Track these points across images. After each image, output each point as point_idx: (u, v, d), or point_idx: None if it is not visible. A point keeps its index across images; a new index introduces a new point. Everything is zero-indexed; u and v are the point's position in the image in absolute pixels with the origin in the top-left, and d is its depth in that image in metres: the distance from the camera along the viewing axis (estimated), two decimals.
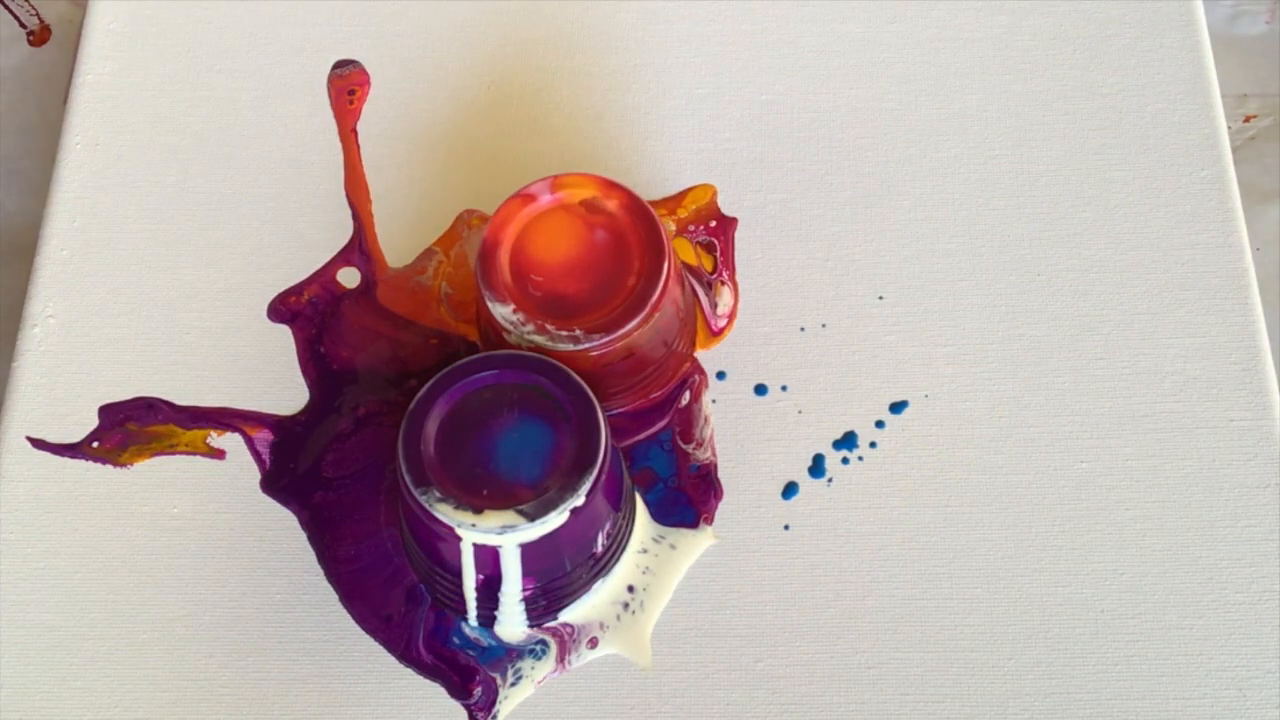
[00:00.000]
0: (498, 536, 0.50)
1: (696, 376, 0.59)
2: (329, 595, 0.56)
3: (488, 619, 0.54)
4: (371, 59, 0.66)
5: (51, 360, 0.60)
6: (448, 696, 0.54)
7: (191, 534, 0.57)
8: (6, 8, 0.98)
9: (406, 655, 0.54)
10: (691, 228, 0.62)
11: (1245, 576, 0.55)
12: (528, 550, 0.51)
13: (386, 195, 0.63)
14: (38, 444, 0.58)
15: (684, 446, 0.58)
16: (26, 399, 0.59)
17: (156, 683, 0.54)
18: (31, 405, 0.59)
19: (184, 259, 0.62)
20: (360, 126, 0.65)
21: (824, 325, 0.60)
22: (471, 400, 0.52)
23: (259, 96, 0.65)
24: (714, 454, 0.58)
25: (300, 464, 0.58)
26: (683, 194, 0.63)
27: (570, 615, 0.55)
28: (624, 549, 0.55)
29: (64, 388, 0.59)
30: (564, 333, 0.54)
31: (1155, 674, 0.54)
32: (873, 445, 0.58)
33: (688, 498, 0.57)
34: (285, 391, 0.59)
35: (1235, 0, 0.98)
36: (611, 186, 0.56)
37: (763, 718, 0.54)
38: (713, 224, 0.62)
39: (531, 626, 0.54)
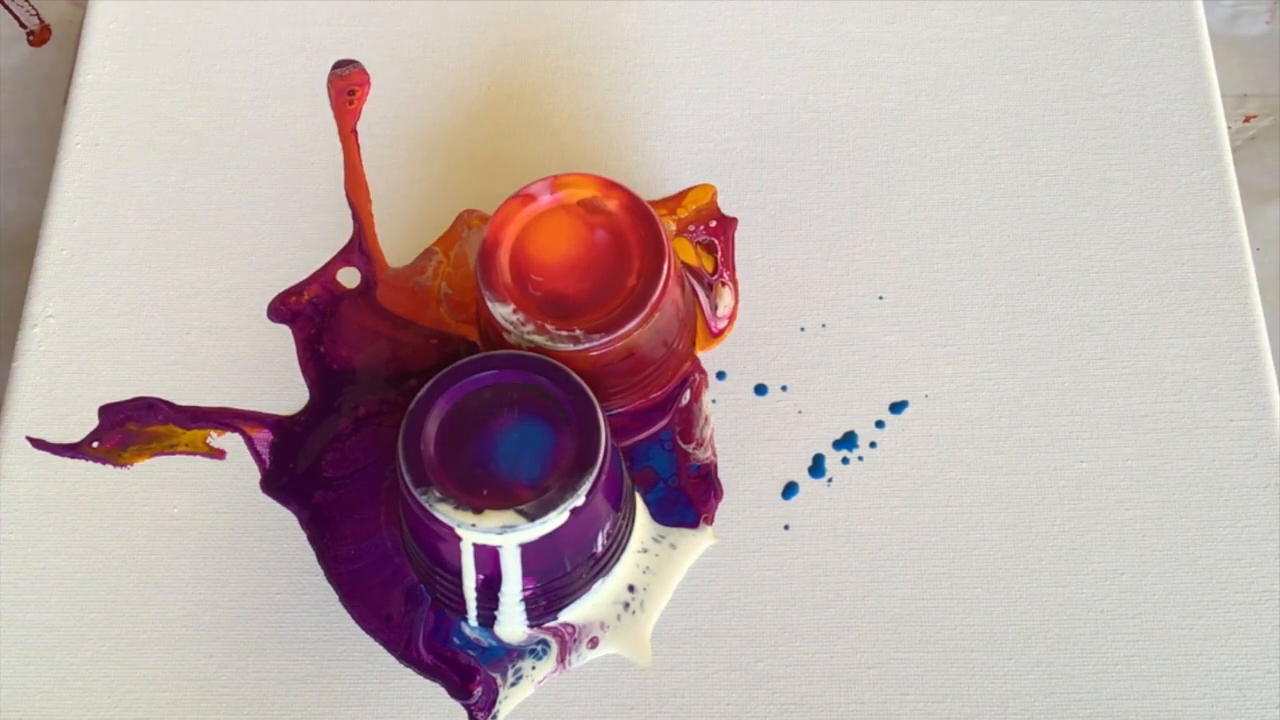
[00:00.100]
0: (498, 536, 0.50)
1: (696, 376, 0.59)
2: (329, 595, 0.56)
3: (488, 619, 0.54)
4: (371, 59, 0.66)
5: (51, 360, 0.60)
6: (448, 696, 0.54)
7: (191, 534, 0.57)
8: (6, 8, 0.98)
9: (406, 655, 0.54)
10: (691, 228, 0.62)
11: (1245, 576, 0.55)
12: (528, 550, 0.51)
13: (386, 195, 0.63)
14: (38, 444, 0.58)
15: (684, 446, 0.58)
16: (26, 399, 0.59)
17: (156, 683, 0.54)
18: (31, 405, 0.59)
19: (184, 259, 0.62)
20: (360, 126, 0.65)
21: (824, 325, 0.60)
22: (471, 400, 0.52)
23: (259, 96, 0.65)
24: (714, 454, 0.58)
25: (300, 464, 0.58)
26: (683, 194, 0.63)
27: (571, 615, 0.55)
28: (624, 549, 0.55)
29: (64, 388, 0.59)
30: (564, 333, 0.54)
31: (1155, 674, 0.54)
32: (873, 445, 0.58)
33: (688, 498, 0.57)
34: (285, 391, 0.59)
35: (1235, 0, 0.98)
36: (611, 186, 0.56)
37: (763, 718, 0.54)
38: (713, 224, 0.62)
39: (531, 626, 0.54)
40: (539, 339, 0.54)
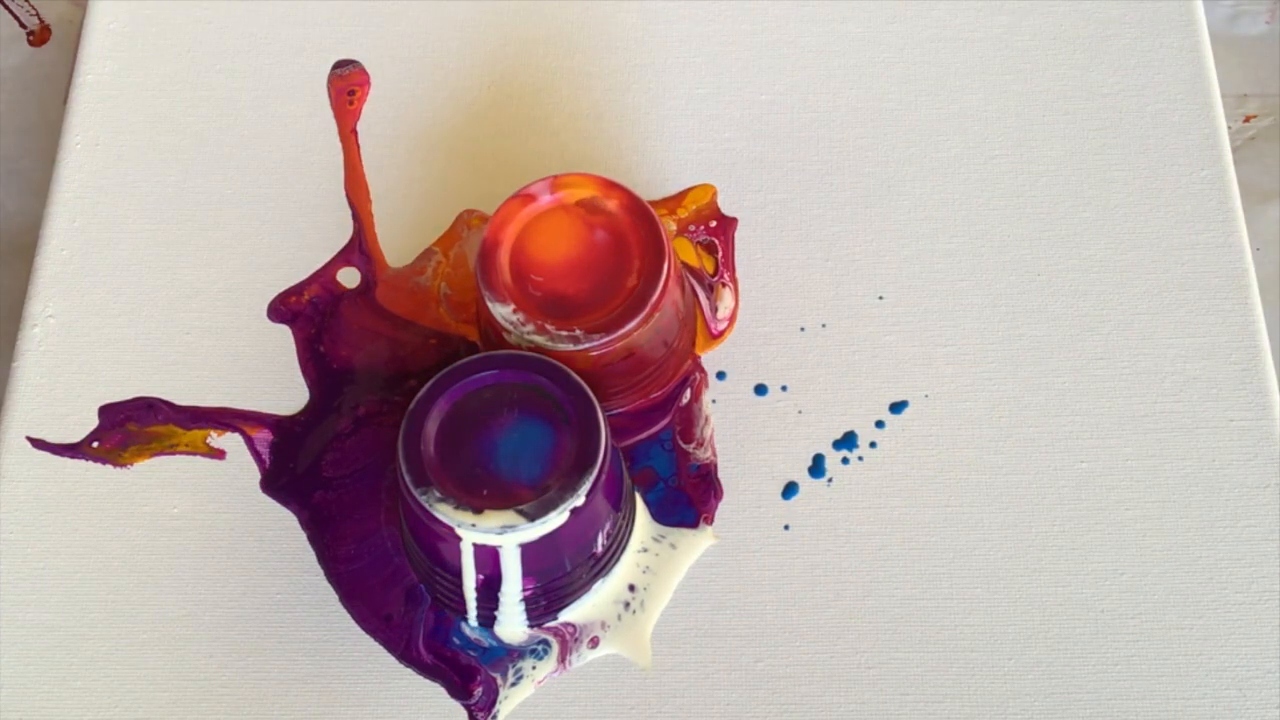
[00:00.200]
0: (498, 536, 0.50)
1: (697, 375, 0.59)
2: (329, 595, 0.56)
3: (488, 619, 0.54)
4: (371, 59, 0.66)
5: (51, 360, 0.60)
6: (448, 696, 0.54)
7: (191, 534, 0.57)
8: (6, 8, 0.98)
9: (406, 655, 0.54)
10: (692, 228, 0.62)
11: (1245, 576, 0.55)
12: (528, 550, 0.51)
13: (386, 195, 0.63)
14: (38, 444, 0.58)
15: (684, 446, 0.58)
16: (26, 399, 0.59)
17: (156, 683, 0.54)
18: (31, 405, 0.59)
19: (184, 259, 0.62)
20: (360, 126, 0.65)
21: (824, 325, 0.60)
22: (471, 400, 0.52)
23: (259, 96, 0.65)
24: (714, 454, 0.58)
25: (300, 464, 0.58)
26: (683, 194, 0.63)
27: (571, 615, 0.55)
28: (624, 549, 0.55)
29: (64, 388, 0.59)
30: (564, 333, 0.54)
31: (1155, 674, 0.54)
32: (873, 445, 0.58)
33: (688, 498, 0.57)
34: (285, 391, 0.59)
35: (1235, 0, 0.98)
36: (611, 186, 0.56)
37: (763, 718, 0.54)
38: (713, 224, 0.62)
39: (531, 626, 0.54)
40: (539, 339, 0.54)
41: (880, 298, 0.60)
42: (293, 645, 0.55)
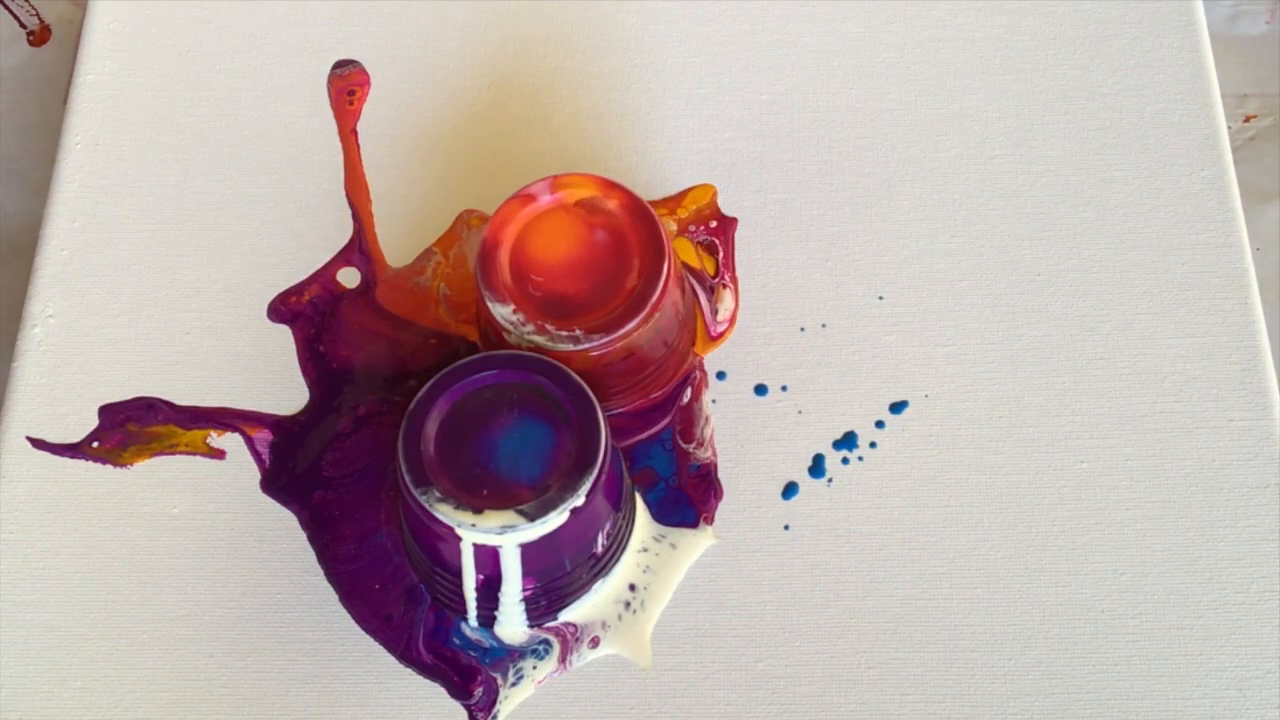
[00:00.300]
0: (498, 536, 0.50)
1: (697, 374, 0.59)
2: (329, 595, 0.56)
3: (488, 619, 0.54)
4: (371, 59, 0.66)
5: (51, 360, 0.60)
6: (448, 696, 0.54)
7: (191, 534, 0.57)
8: (6, 8, 0.98)
9: (406, 655, 0.54)
10: (692, 228, 0.62)
11: (1245, 576, 0.55)
12: (528, 550, 0.51)
13: (386, 195, 0.63)
14: (38, 444, 0.58)
15: (684, 445, 0.58)
16: (26, 399, 0.59)
17: (156, 683, 0.54)
18: (31, 405, 0.59)
19: (184, 259, 0.62)
20: (360, 126, 0.65)
21: (824, 325, 0.60)
22: (471, 400, 0.52)
23: (259, 96, 0.65)
24: (714, 454, 0.58)
25: (300, 464, 0.58)
26: (683, 194, 0.63)
27: (572, 615, 0.55)
28: (624, 549, 0.55)
29: (64, 388, 0.59)
30: (564, 333, 0.54)
31: (1155, 674, 0.54)
32: (873, 445, 0.58)
33: (688, 497, 0.57)
34: (285, 391, 0.59)
35: (1235, 0, 0.98)
36: (611, 186, 0.56)
37: (763, 718, 0.54)
38: (713, 224, 0.62)
39: (532, 626, 0.54)
40: (539, 339, 0.54)
41: (880, 298, 0.60)
42: (293, 645, 0.55)
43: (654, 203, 0.62)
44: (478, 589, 0.52)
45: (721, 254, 0.61)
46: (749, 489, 0.57)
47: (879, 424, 0.58)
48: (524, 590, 0.52)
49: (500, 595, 0.52)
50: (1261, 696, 0.53)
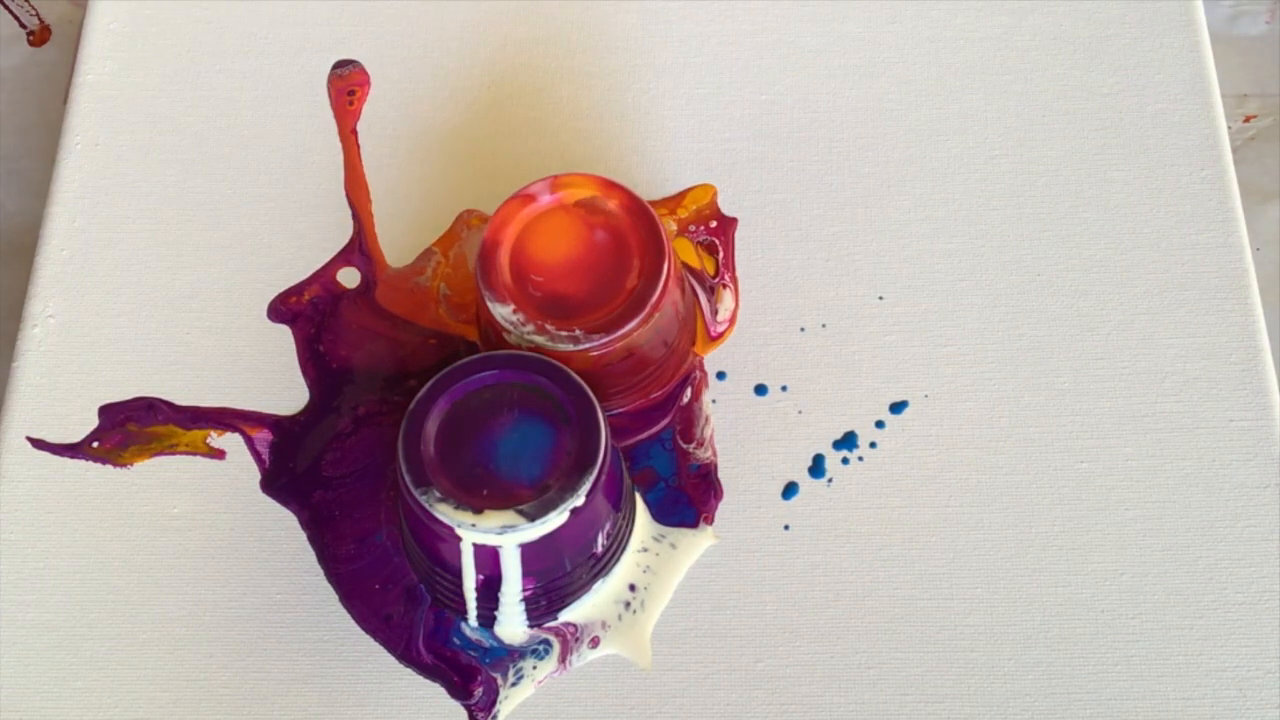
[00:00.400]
0: (498, 536, 0.50)
1: (697, 374, 0.59)
2: (329, 595, 0.56)
3: (488, 619, 0.54)
4: (371, 59, 0.66)
5: (51, 360, 0.60)
6: (448, 696, 0.54)
7: (191, 534, 0.57)
8: (6, 8, 0.98)
9: (406, 655, 0.54)
10: (692, 228, 0.62)
11: (1245, 576, 0.55)
12: (528, 550, 0.51)
13: (386, 195, 0.63)
14: (38, 444, 0.58)
15: (684, 445, 0.58)
16: (26, 399, 0.59)
17: (156, 683, 0.54)
18: (31, 405, 0.59)
19: (184, 259, 0.62)
20: (360, 126, 0.65)
21: (824, 325, 0.60)
22: (471, 400, 0.52)
23: (259, 96, 0.65)
24: (714, 454, 0.58)
25: (300, 464, 0.58)
26: (683, 194, 0.63)
27: (572, 615, 0.55)
28: (624, 549, 0.55)
29: (64, 388, 0.59)
30: (564, 333, 0.54)
31: (1155, 674, 0.54)
32: (873, 445, 0.58)
33: (688, 497, 0.57)
34: (285, 391, 0.59)
35: (1235, 0, 0.98)
36: (611, 186, 0.56)
37: (763, 718, 0.54)
38: (713, 224, 0.62)
39: (531, 626, 0.54)
40: (539, 339, 0.54)
41: (880, 298, 0.60)
42: (293, 645, 0.55)
43: (654, 203, 0.62)
44: (478, 589, 0.52)
45: (721, 254, 0.61)
46: (749, 489, 0.57)
47: (879, 424, 0.58)
48: (524, 590, 0.52)
49: (500, 595, 0.52)
50: (1261, 696, 0.53)
